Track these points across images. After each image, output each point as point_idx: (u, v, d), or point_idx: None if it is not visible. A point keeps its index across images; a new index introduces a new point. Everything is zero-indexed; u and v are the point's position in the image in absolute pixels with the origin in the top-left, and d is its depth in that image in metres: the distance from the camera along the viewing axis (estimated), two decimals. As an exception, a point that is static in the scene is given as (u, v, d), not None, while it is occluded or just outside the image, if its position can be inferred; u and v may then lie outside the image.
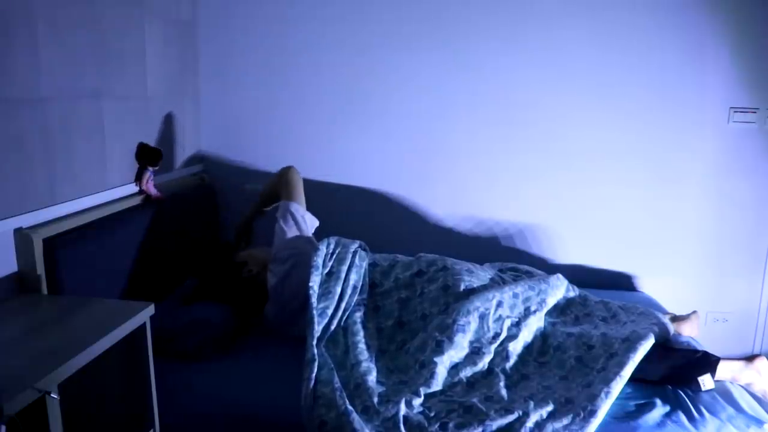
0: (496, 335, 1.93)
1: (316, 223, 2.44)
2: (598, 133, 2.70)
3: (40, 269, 1.68)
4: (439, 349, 1.84)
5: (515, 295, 2.06)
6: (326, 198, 2.85)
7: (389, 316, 2.07)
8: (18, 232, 1.65)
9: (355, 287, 2.09)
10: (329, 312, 1.99)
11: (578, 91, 2.66)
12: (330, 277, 2.08)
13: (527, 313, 2.03)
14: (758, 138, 2.66)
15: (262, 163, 2.83)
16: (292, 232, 2.30)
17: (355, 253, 2.19)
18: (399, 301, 2.09)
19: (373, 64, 2.71)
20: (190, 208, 2.56)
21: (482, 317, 1.94)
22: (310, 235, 2.36)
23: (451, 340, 1.86)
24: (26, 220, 1.68)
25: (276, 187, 2.43)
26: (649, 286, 2.76)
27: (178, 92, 2.59)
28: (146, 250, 2.17)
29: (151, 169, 2.24)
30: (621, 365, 1.76)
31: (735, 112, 2.64)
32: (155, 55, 2.34)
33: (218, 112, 2.81)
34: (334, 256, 2.15)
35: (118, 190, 2.13)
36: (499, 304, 1.99)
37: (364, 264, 2.18)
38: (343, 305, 2.03)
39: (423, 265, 2.16)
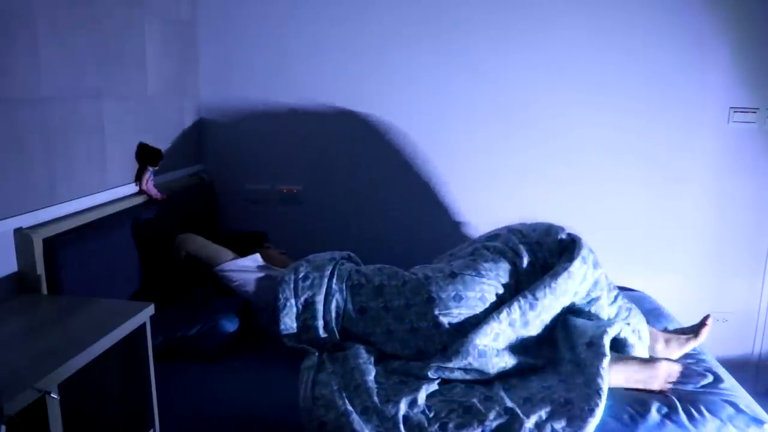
0: (501, 369, 1.84)
1: (257, 257, 2.24)
2: (598, 133, 2.70)
3: (40, 269, 1.68)
4: (438, 377, 1.85)
5: (512, 324, 1.86)
6: (325, 198, 2.85)
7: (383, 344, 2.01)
8: (18, 232, 1.65)
9: (338, 315, 2.01)
10: (315, 352, 1.95)
11: (578, 90, 2.66)
12: (306, 309, 2.00)
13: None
14: (758, 138, 2.66)
15: (263, 163, 2.83)
16: (247, 277, 2.15)
17: (332, 276, 2.05)
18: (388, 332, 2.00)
19: (373, 64, 2.71)
20: (190, 208, 2.56)
21: (482, 355, 1.82)
22: (259, 268, 2.19)
23: (448, 377, 1.85)
24: (26, 220, 1.68)
25: (191, 257, 2.23)
26: (649, 285, 2.76)
27: (178, 92, 2.59)
28: (146, 250, 2.17)
29: (151, 169, 2.24)
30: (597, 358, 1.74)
31: (735, 112, 2.64)
32: (155, 55, 2.34)
33: (218, 112, 2.81)
34: (309, 281, 2.03)
35: (118, 190, 2.14)
36: (497, 338, 1.85)
37: (344, 288, 2.04)
38: (329, 336, 2.00)
39: (408, 294, 1.99)
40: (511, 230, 2.10)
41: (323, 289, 2.02)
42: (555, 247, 2.00)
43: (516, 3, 2.61)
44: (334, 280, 2.05)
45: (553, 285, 1.87)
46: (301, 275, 2.05)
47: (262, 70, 2.75)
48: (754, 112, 2.63)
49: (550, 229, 2.05)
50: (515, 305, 1.87)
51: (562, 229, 2.05)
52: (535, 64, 2.65)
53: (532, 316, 1.87)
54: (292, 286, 2.03)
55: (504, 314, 1.86)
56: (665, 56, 2.61)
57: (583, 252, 1.93)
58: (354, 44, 2.70)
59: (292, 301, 2.01)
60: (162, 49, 2.40)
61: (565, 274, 1.88)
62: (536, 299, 1.87)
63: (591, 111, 2.68)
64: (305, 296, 2.01)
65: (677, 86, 2.63)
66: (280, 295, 2.01)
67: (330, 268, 2.07)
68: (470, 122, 2.73)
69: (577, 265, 1.89)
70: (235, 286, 2.13)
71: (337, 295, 2.02)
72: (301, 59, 2.73)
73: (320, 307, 2.00)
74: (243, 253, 2.26)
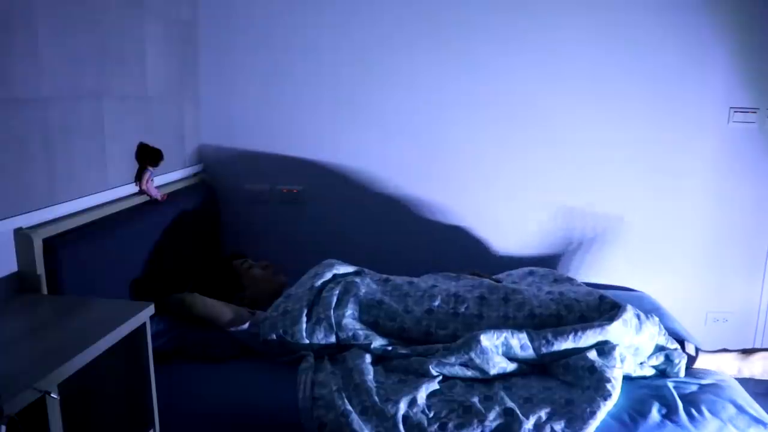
0: (501, 371, 1.84)
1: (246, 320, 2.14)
2: (598, 133, 2.70)
3: (40, 269, 1.67)
4: (440, 371, 1.85)
5: (523, 348, 1.85)
6: (325, 198, 2.85)
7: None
8: (18, 232, 1.65)
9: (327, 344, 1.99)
10: (311, 353, 1.95)
11: (578, 91, 2.66)
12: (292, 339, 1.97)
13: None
14: (758, 138, 2.66)
15: (263, 163, 2.83)
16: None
17: (310, 313, 2.02)
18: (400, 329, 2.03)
19: (373, 64, 2.71)
20: (190, 208, 2.56)
21: (484, 352, 1.82)
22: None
23: (449, 372, 1.85)
24: (26, 220, 1.68)
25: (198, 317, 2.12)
26: (649, 285, 2.76)
27: (178, 92, 2.59)
28: (146, 251, 2.17)
29: (151, 169, 2.24)
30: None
31: (735, 112, 2.64)
32: (155, 55, 2.34)
33: (218, 112, 2.81)
34: (320, 303, 2.04)
35: (119, 190, 2.13)
36: (498, 347, 1.86)
37: (351, 310, 2.03)
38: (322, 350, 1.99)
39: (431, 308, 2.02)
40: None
41: (303, 326, 1.98)
42: (594, 305, 1.95)
43: (516, 4, 2.61)
44: (323, 323, 1.98)
45: (579, 334, 1.82)
46: (280, 311, 2.02)
47: (261, 70, 2.75)
48: (754, 112, 2.63)
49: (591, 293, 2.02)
50: (533, 338, 1.85)
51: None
52: (536, 65, 2.65)
53: (544, 351, 1.85)
54: (271, 322, 2.00)
55: (523, 335, 1.84)
56: (665, 56, 2.61)
57: (626, 315, 1.85)
58: (354, 44, 2.70)
59: (280, 332, 1.97)
60: (162, 49, 2.40)
61: (597, 329, 1.82)
62: (555, 343, 1.83)
63: (591, 111, 2.68)
64: (282, 330, 1.97)
65: (677, 86, 2.63)
66: (268, 329, 1.99)
67: (306, 303, 2.03)
68: (470, 123, 2.73)
69: (615, 326, 1.82)
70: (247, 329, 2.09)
71: (319, 333, 1.97)
72: (301, 59, 2.73)
73: (302, 336, 1.96)
74: (228, 284, 2.31)
